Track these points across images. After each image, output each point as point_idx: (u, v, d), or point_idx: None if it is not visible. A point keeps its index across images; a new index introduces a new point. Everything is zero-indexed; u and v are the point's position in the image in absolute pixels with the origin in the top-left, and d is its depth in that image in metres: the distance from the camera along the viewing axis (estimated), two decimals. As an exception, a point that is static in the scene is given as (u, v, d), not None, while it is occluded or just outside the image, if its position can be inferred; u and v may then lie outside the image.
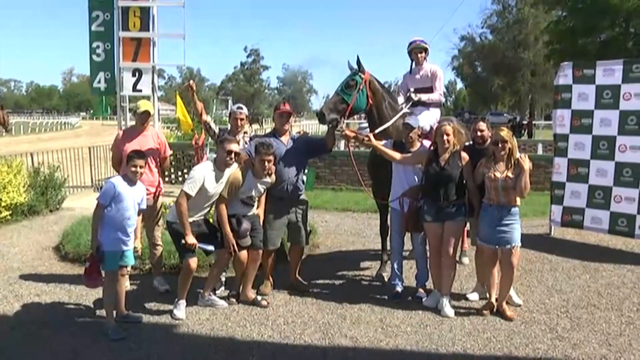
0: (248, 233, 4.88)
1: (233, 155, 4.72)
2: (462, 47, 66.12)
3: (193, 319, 4.70)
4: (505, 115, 50.93)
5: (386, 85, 5.99)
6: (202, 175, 4.66)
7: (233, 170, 4.83)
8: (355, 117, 14.73)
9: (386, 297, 5.22)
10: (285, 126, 5.26)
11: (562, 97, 7.42)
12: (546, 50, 44.46)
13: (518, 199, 4.69)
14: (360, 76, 5.17)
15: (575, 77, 7.28)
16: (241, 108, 5.47)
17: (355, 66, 5.24)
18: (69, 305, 5.05)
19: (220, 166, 4.75)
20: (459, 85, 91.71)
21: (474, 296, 5.22)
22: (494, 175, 4.67)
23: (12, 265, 6.19)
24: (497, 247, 4.76)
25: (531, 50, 55.54)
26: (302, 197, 5.36)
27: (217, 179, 4.74)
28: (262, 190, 5.00)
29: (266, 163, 4.77)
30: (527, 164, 4.56)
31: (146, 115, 5.38)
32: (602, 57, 9.63)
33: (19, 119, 48.36)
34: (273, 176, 4.96)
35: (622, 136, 6.86)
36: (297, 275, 5.52)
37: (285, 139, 5.23)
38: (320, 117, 5.08)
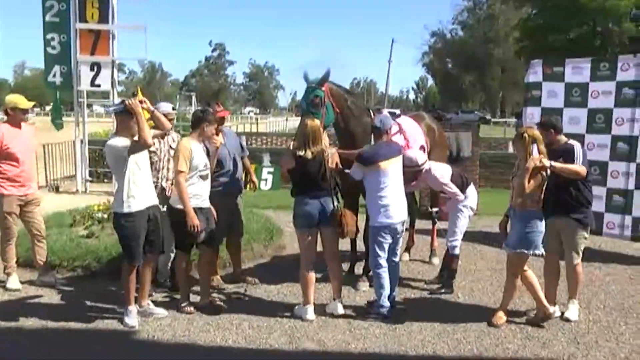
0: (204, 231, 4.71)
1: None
2: (433, 44, 66.49)
3: (154, 324, 4.51)
4: (475, 113, 51.28)
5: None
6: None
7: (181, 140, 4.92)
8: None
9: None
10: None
11: (532, 94, 7.41)
12: (516, 46, 45.20)
13: (529, 203, 4.46)
14: (321, 90, 5.05)
15: (545, 74, 7.28)
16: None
17: (310, 77, 5.12)
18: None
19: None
20: (430, 81, 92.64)
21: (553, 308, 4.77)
22: (513, 176, 4.61)
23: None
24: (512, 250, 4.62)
25: (501, 47, 56.45)
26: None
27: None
28: (213, 157, 4.94)
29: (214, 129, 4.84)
30: (529, 164, 4.34)
31: (26, 111, 5.28)
32: (571, 55, 9.68)
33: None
34: (219, 137, 5.01)
35: (590, 134, 6.88)
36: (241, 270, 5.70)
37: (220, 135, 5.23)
38: None
